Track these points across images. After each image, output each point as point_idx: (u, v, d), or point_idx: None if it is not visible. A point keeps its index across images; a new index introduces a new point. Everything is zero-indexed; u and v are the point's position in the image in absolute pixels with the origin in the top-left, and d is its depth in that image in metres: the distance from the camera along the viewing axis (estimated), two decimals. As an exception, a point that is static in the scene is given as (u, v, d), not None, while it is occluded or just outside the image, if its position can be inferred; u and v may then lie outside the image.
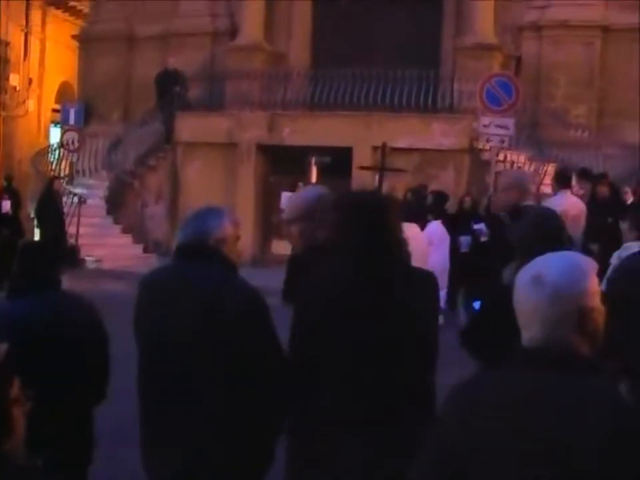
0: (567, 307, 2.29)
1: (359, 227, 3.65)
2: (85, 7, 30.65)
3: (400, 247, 3.71)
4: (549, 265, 2.37)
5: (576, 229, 8.49)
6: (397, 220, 3.79)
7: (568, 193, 10.84)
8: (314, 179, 16.23)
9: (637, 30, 19.98)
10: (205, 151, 20.77)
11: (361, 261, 3.62)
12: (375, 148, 18.51)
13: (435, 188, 16.47)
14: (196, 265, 3.75)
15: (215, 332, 3.59)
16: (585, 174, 12.71)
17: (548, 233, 4.21)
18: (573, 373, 2.26)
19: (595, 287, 2.34)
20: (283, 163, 20.13)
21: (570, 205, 9.80)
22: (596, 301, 2.33)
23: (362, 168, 16.52)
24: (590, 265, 2.39)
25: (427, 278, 3.83)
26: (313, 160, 16.92)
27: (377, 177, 15.99)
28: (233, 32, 23.29)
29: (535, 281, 2.33)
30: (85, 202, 20.33)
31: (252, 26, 22.45)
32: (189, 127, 20.92)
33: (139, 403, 3.83)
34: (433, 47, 21.72)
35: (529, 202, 5.86)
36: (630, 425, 2.19)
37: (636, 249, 5.89)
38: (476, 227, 14.29)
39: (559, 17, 20.48)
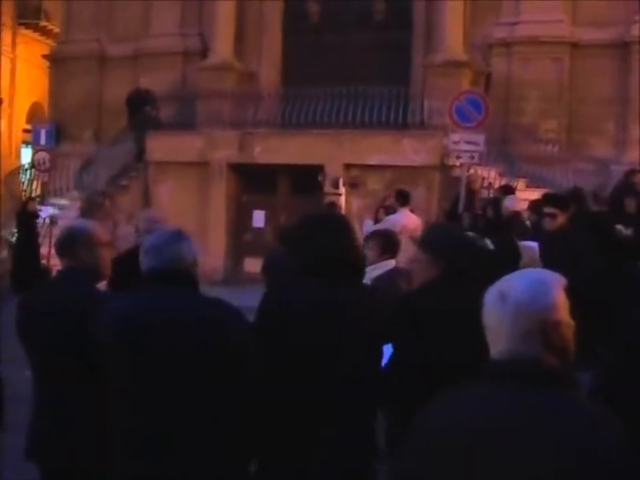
0: (529, 322, 2.31)
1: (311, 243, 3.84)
2: (55, 27, 30.62)
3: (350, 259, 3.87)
4: (512, 282, 2.41)
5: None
6: (349, 235, 3.92)
7: (407, 210, 12.86)
8: (343, 198, 16.25)
9: (604, 46, 20.21)
10: (176, 170, 20.71)
11: (313, 275, 3.76)
12: (346, 165, 18.61)
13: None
14: (179, 292, 3.69)
15: (219, 357, 3.55)
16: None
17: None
18: (539, 386, 2.27)
19: (560, 301, 2.36)
20: (254, 181, 20.15)
21: (409, 220, 12.12)
22: (562, 315, 2.35)
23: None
24: (555, 279, 2.41)
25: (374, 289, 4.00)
26: (341, 180, 16.91)
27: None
28: (204, 51, 23.37)
29: (500, 297, 2.37)
30: (56, 222, 20.24)
31: (222, 45, 22.50)
32: (160, 146, 20.86)
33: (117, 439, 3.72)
34: (403, 64, 21.83)
35: None
36: (594, 438, 2.18)
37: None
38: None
39: (528, 34, 20.63)
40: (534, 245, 8.66)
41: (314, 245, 3.87)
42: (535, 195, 15.66)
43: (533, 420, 2.22)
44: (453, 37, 20.68)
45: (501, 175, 18.36)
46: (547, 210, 9.02)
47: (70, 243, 4.39)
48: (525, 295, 2.34)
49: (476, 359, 2.48)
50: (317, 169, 18.40)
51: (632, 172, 15.09)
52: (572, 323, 2.37)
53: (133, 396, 3.61)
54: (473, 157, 16.59)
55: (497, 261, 8.86)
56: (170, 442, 3.54)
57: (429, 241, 4.35)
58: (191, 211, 19.81)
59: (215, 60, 22.50)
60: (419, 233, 11.17)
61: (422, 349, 3.95)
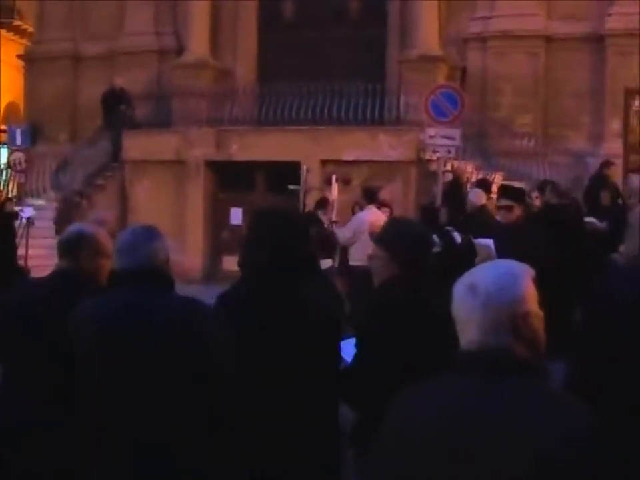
0: (499, 313, 2.33)
1: (263, 243, 3.82)
2: (30, 27, 30.45)
3: (306, 260, 3.88)
4: (482, 274, 2.42)
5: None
6: (302, 234, 3.96)
7: (373, 207, 13.07)
8: (335, 194, 16.32)
9: (579, 39, 20.27)
10: (153, 169, 20.64)
11: (263, 273, 3.78)
12: (323, 162, 18.59)
13: (384, 199, 16.56)
14: (156, 292, 3.61)
15: (197, 359, 3.48)
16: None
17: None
18: (509, 376, 2.29)
19: (529, 292, 2.37)
20: (231, 179, 20.11)
21: (376, 216, 12.39)
22: (532, 306, 2.36)
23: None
24: (524, 271, 2.42)
25: (332, 288, 4.05)
26: (334, 177, 16.94)
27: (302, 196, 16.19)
28: (179, 49, 23.32)
29: (469, 289, 2.38)
30: (33, 223, 20.10)
31: (198, 43, 22.46)
32: (136, 145, 20.78)
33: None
34: (378, 60, 21.84)
35: None
36: (565, 427, 2.20)
37: None
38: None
39: (502, 28, 20.65)
40: (489, 242, 8.45)
41: (267, 242, 3.84)
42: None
43: (504, 410, 2.23)
44: (428, 32, 20.69)
45: (477, 169, 18.38)
46: (502, 202, 8.72)
47: (75, 244, 4.30)
48: (495, 286, 2.35)
49: (447, 354, 2.48)
50: (294, 166, 18.39)
51: (606, 164, 15.14)
52: (541, 313, 2.39)
53: (110, 398, 3.52)
54: (449, 152, 16.59)
55: (464, 256, 8.83)
56: (147, 446, 3.46)
57: (387, 237, 4.34)
58: (168, 209, 19.78)
59: (190, 58, 22.44)
60: None
61: (394, 346, 3.93)
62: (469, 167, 18.16)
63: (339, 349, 3.95)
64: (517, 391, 2.26)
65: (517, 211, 8.51)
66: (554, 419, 2.21)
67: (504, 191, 9.57)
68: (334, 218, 16.32)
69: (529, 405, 2.23)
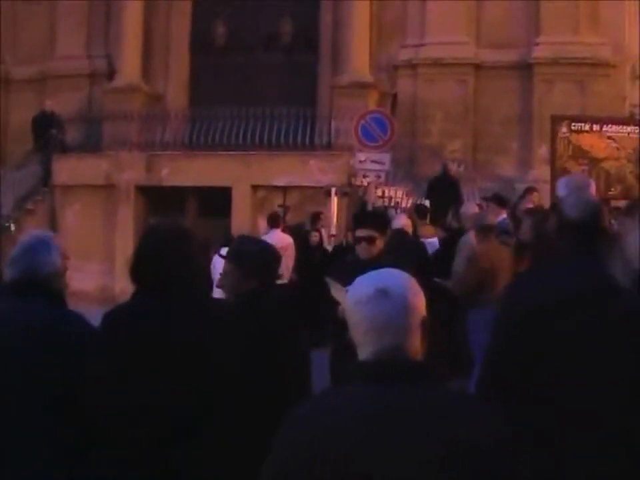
0: (414, 317, 2.33)
1: (137, 258, 3.77)
2: (-41, 49, 30.04)
3: (193, 277, 3.76)
4: (390, 279, 2.40)
5: (288, 258, 12.56)
6: (191, 250, 3.80)
7: (277, 230, 13.84)
8: (334, 210, 16.31)
9: (507, 67, 20.62)
10: (83, 193, 20.44)
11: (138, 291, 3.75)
12: (254, 187, 18.59)
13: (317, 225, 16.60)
14: (26, 302, 3.67)
15: (54, 367, 3.53)
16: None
17: None
18: (424, 381, 2.28)
19: (424, 298, 2.41)
20: (162, 203, 19.98)
21: (279, 239, 12.81)
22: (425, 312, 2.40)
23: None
24: (414, 279, 2.44)
25: (223, 308, 3.99)
26: (333, 190, 16.90)
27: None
28: (111, 73, 23.12)
29: (381, 294, 2.32)
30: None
31: (129, 67, 22.33)
32: (66, 169, 20.57)
33: None
34: (309, 86, 22.00)
35: None
36: (483, 427, 2.23)
37: None
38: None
39: (432, 55, 20.94)
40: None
41: (140, 257, 3.76)
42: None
43: (431, 415, 2.22)
44: (358, 58, 20.87)
45: (407, 194, 18.47)
46: (361, 233, 6.87)
47: None
48: (408, 291, 2.36)
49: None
50: (225, 191, 18.39)
51: (529, 190, 15.24)
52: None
53: None
54: (379, 176, 16.73)
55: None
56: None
57: (235, 252, 4.41)
58: (98, 234, 19.62)
59: (122, 82, 22.29)
60: (290, 251, 13.24)
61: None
62: (399, 192, 18.26)
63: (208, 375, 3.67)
64: (436, 396, 2.28)
65: (380, 243, 6.77)
66: (475, 419, 2.24)
67: (361, 218, 8.17)
68: (332, 232, 16.32)
69: (451, 408, 2.26)
